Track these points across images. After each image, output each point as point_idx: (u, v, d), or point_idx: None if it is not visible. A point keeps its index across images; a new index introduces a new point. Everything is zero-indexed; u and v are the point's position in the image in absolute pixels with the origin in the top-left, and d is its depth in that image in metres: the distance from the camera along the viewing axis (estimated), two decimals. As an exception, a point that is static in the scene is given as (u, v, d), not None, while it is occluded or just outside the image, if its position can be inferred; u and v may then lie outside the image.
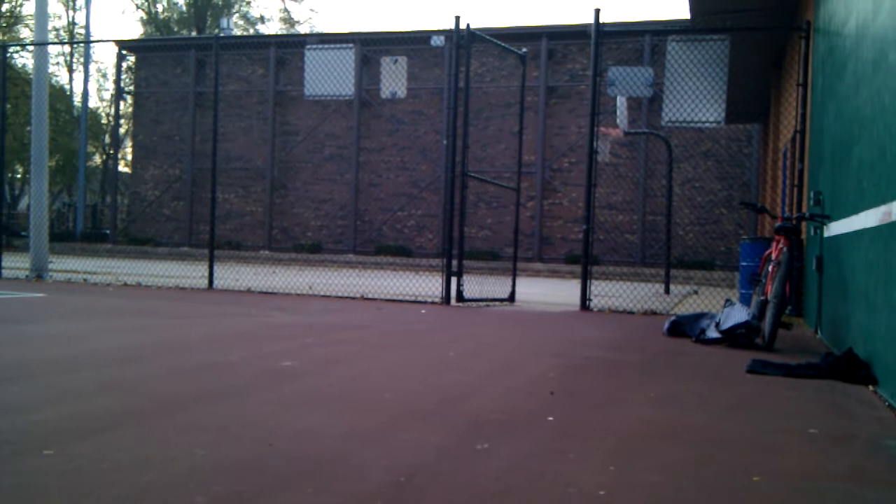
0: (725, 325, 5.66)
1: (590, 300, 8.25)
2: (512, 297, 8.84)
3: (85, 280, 10.15)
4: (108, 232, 26.62)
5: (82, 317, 6.28)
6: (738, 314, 5.72)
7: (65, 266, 12.45)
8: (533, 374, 4.10)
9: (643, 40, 21.59)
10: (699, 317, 6.26)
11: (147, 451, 2.35)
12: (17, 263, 10.80)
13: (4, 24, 31.06)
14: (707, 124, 8.32)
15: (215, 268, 9.47)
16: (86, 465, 2.18)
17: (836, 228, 5.75)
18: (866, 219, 4.41)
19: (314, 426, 2.75)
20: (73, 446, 2.37)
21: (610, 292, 8.56)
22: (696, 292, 11.70)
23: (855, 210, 4.88)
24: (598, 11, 8.27)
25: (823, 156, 6.76)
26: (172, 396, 3.18)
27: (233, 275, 9.82)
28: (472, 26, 8.63)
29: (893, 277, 3.64)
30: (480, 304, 8.39)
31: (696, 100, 8.36)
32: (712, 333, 5.77)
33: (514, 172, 10.07)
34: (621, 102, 12.19)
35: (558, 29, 22.45)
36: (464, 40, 8.62)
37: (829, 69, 6.57)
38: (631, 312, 7.91)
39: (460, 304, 8.25)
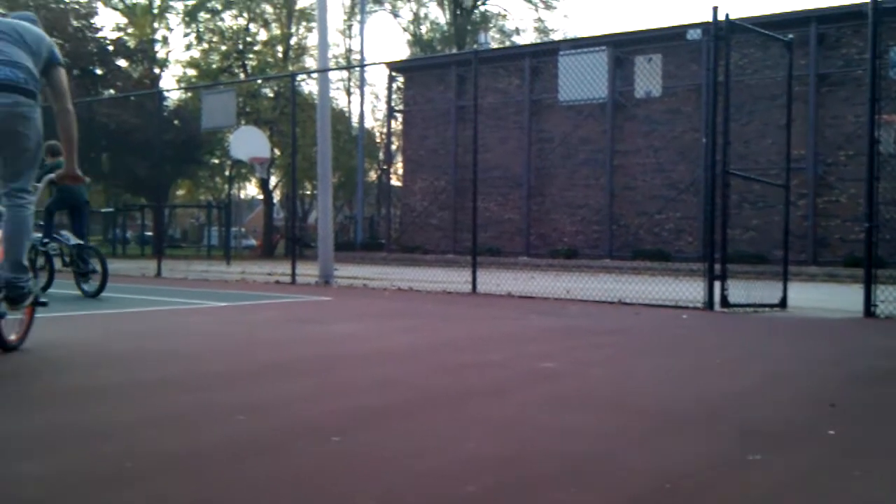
0: None
1: (875, 306, 7.43)
2: (783, 303, 8.23)
3: (364, 285, 11.11)
4: (383, 241, 28.87)
5: (363, 318, 6.90)
6: None
7: (347, 273, 13.71)
8: (809, 384, 3.81)
9: (934, 14, 19.01)
10: None
11: (420, 442, 2.54)
12: (307, 271, 12.10)
13: (293, 56, 34.99)
14: None
15: (477, 273, 9.89)
16: (368, 452, 2.40)
17: None
18: None
19: (574, 426, 2.80)
20: (357, 435, 2.62)
21: (901, 298, 7.65)
22: None
23: None
24: (878, -13, 7.45)
25: None
26: (441, 392, 3.41)
27: (494, 280, 10.19)
28: (731, 16, 8.20)
29: None
30: (747, 309, 7.92)
31: None
32: None
33: (782, 169, 9.33)
34: (906, 85, 10.86)
35: (828, 11, 20.43)
36: (722, 32, 8.21)
37: None
38: (928, 320, 7.01)
39: (725, 309, 7.85)
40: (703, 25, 9.21)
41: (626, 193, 23.95)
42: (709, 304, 7.91)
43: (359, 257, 24.40)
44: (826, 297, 10.09)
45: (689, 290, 8.43)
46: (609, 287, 9.27)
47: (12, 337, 4.14)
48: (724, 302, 7.87)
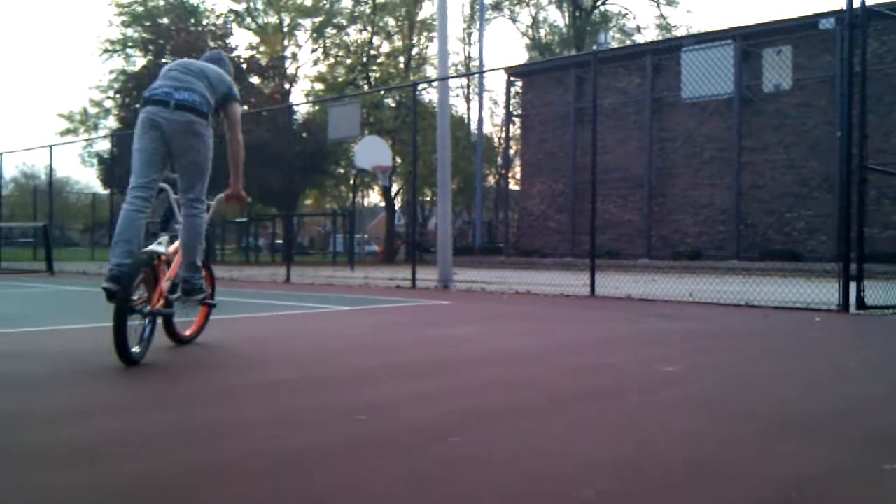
0: None
1: None
2: (929, 305, 7.71)
3: (482, 289, 11.21)
4: (501, 245, 28.96)
5: (482, 321, 6.99)
6: None
7: (466, 277, 13.86)
8: (952, 392, 3.58)
9: None
10: None
11: (537, 443, 2.57)
12: (427, 275, 12.33)
13: (414, 66, 35.74)
14: None
15: (596, 276, 9.79)
16: (485, 453, 2.44)
17: None
18: None
19: (694, 430, 2.75)
20: (474, 435, 2.67)
21: None
22: None
23: None
24: None
25: None
26: (558, 394, 3.43)
27: (613, 283, 10.05)
28: (867, 3, 7.76)
29: None
30: (886, 311, 7.47)
31: None
32: None
33: (927, 162, 8.75)
34: None
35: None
36: (858, 19, 7.78)
37: None
38: None
39: (861, 311, 7.43)
40: (836, 14, 8.78)
41: (754, 192, 22.99)
42: (844, 307, 7.52)
43: (477, 261, 24.56)
44: (980, 299, 9.32)
45: (823, 291, 8.04)
46: (735, 289, 8.96)
47: (187, 332, 4.82)
48: (861, 304, 7.46)
